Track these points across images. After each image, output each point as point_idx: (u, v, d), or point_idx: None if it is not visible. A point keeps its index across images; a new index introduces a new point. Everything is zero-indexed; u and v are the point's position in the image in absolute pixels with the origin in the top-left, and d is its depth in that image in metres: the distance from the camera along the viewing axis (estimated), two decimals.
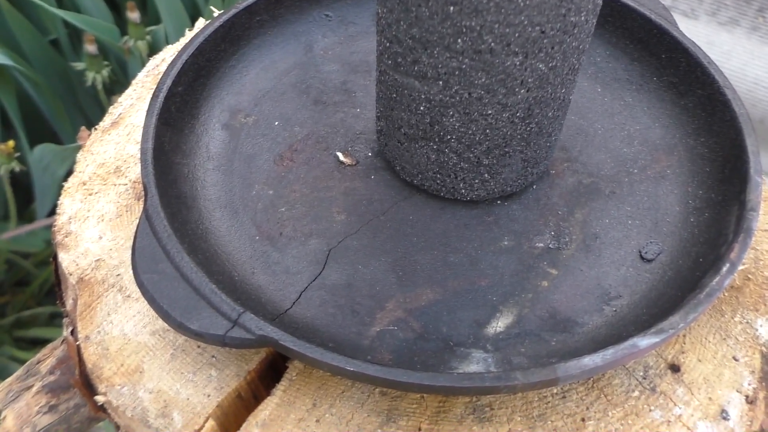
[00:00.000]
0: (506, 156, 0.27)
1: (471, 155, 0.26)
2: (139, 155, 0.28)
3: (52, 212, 0.64)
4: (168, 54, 0.35)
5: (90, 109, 0.65)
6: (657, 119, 0.32)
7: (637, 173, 0.30)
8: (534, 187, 0.29)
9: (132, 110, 0.33)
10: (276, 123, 0.31)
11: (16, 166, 0.50)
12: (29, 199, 0.67)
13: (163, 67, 0.34)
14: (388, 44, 0.25)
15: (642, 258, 0.27)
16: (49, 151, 0.56)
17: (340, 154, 0.30)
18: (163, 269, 0.23)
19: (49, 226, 0.57)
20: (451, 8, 0.22)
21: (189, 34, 0.36)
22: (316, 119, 0.32)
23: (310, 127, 0.31)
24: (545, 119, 0.26)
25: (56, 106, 0.61)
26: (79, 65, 0.54)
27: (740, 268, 0.27)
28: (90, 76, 0.53)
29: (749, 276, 0.27)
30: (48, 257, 0.64)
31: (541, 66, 0.23)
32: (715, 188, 0.28)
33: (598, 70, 0.34)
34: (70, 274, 0.27)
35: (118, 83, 0.64)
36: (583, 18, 0.23)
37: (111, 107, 0.33)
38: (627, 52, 0.33)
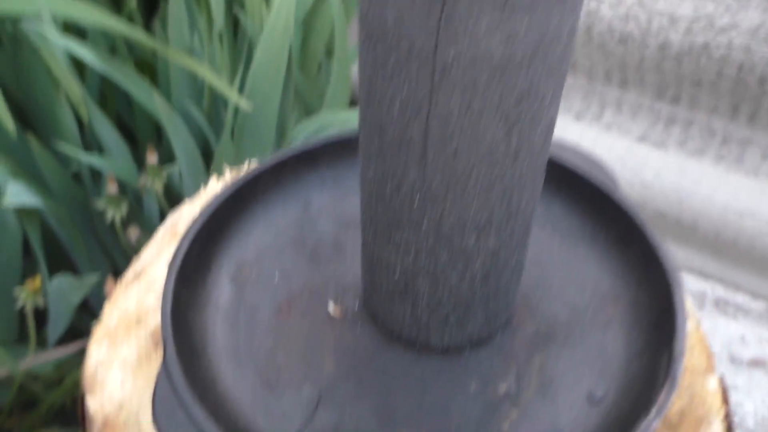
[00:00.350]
0: (470, 313, 0.32)
1: (440, 312, 0.32)
2: (158, 307, 0.34)
3: (64, 336, 0.69)
4: (184, 210, 0.42)
5: (105, 237, 0.72)
6: (605, 271, 0.37)
7: (588, 321, 0.35)
8: (498, 335, 0.34)
9: (152, 265, 0.38)
10: (276, 277, 0.37)
11: (41, 303, 0.56)
12: (42, 320, 0.72)
13: (180, 225, 0.40)
14: (368, 221, 0.31)
15: (591, 400, 0.31)
16: (66, 282, 0.62)
17: (331, 306, 0.35)
18: (179, 418, 0.28)
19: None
20: (416, 199, 0.28)
21: (203, 192, 0.43)
22: (311, 273, 0.37)
23: (305, 281, 0.37)
24: (501, 282, 0.31)
25: (75, 237, 0.67)
26: (101, 203, 0.61)
27: (675, 407, 0.32)
28: (110, 214, 0.60)
29: (684, 413, 0.32)
30: (57, 380, 0.68)
31: (492, 242, 0.29)
32: (652, 336, 0.33)
33: (557, 225, 0.39)
34: (96, 417, 0.31)
35: (135, 216, 0.70)
36: (524, 204, 0.29)
37: (134, 261, 0.39)
38: (579, 210, 0.39)
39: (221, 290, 0.36)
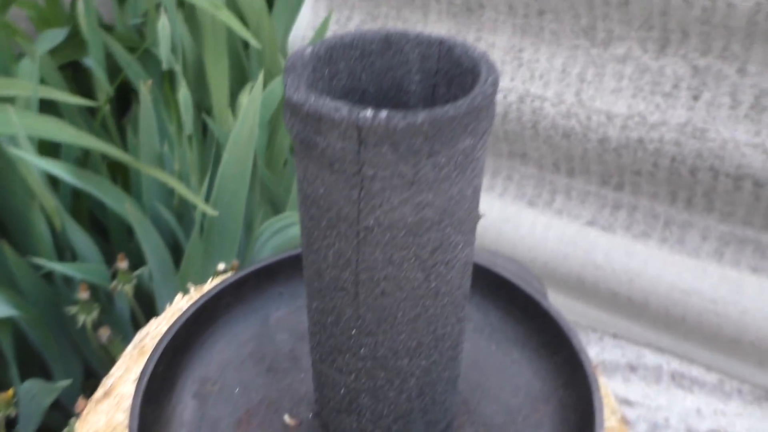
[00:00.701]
0: (410, 422, 0.36)
1: (383, 423, 0.36)
2: (126, 426, 0.37)
3: None
4: (152, 327, 0.46)
5: (77, 337, 0.75)
6: (536, 373, 0.41)
7: (521, 422, 0.39)
8: None
9: (121, 381, 0.42)
10: (236, 390, 0.41)
11: (13, 413, 0.59)
12: (13, 421, 0.74)
13: (147, 341, 0.44)
14: (314, 345, 0.35)
15: None
16: (38, 386, 0.65)
17: (286, 417, 0.39)
18: None
19: None
20: (353, 331, 0.32)
21: (169, 310, 0.47)
22: (269, 385, 0.41)
23: (263, 393, 0.41)
24: (436, 394, 0.36)
25: (48, 340, 0.70)
26: (72, 309, 0.64)
27: None
28: (81, 318, 0.63)
29: None
30: None
31: (423, 362, 0.34)
32: None
33: (493, 331, 0.44)
34: None
35: (106, 315, 0.74)
36: (449, 329, 0.34)
37: (104, 378, 0.42)
38: (513, 316, 0.44)
39: (185, 405, 0.40)
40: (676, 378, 0.84)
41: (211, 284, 0.47)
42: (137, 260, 0.77)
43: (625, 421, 0.41)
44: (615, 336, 0.86)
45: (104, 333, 0.68)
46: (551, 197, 0.84)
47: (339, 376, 0.35)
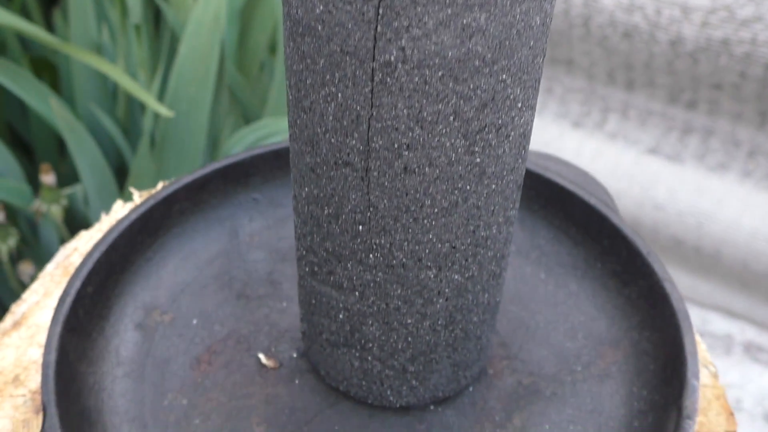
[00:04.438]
0: (433, 362, 0.32)
1: (395, 362, 0.31)
2: (40, 365, 0.33)
3: None
4: (81, 242, 0.41)
5: None
6: (602, 310, 0.37)
7: (580, 371, 0.35)
8: (470, 389, 0.34)
9: (37, 308, 0.37)
10: (194, 321, 0.36)
11: None
12: None
13: (75, 258, 0.40)
14: (304, 252, 0.31)
15: None
16: None
17: (262, 356, 0.35)
18: None
19: None
20: (360, 227, 0.28)
21: (105, 219, 0.42)
22: (239, 316, 0.37)
23: (231, 325, 0.36)
24: (470, 324, 0.31)
25: None
26: None
27: None
28: None
29: None
30: None
31: (456, 277, 0.29)
32: (659, 389, 0.33)
33: (542, 254, 0.40)
34: None
35: (28, 247, 0.69)
36: (495, 231, 0.29)
37: (14, 305, 0.38)
38: (570, 236, 0.39)
39: (123, 339, 0.35)
40: (751, 350, 0.80)
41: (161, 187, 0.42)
42: (71, 181, 0.73)
43: (717, 377, 0.37)
44: None
45: (26, 268, 0.63)
46: (603, 117, 0.80)
47: (337, 295, 0.30)
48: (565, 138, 0.80)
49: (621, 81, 0.78)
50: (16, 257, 0.66)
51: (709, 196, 0.76)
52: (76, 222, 0.69)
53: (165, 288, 0.37)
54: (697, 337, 0.37)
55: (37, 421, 0.33)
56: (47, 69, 0.81)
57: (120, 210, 0.42)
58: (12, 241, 0.60)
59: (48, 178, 0.60)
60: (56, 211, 0.60)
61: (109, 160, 0.71)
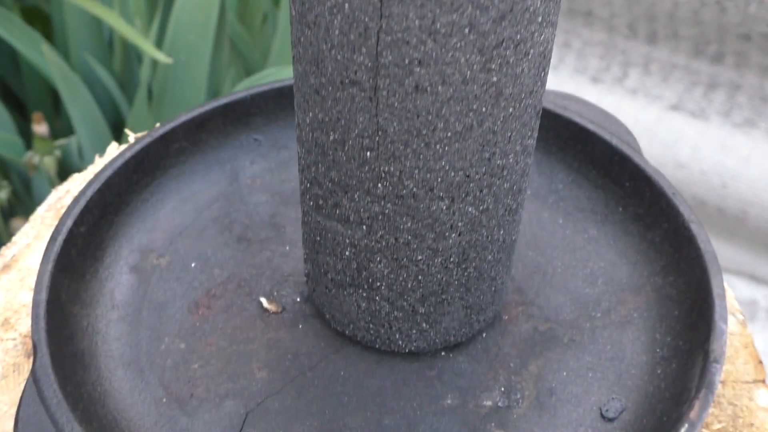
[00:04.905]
0: (444, 303, 0.31)
1: (404, 303, 0.30)
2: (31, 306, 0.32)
3: None
4: (74, 184, 0.40)
5: None
6: (623, 255, 0.36)
7: (600, 317, 0.34)
8: (483, 335, 0.33)
9: (28, 251, 0.37)
10: (193, 264, 0.36)
11: None
12: None
13: (68, 200, 0.39)
14: (308, 185, 0.30)
15: (603, 417, 0.31)
16: None
17: (264, 300, 0.34)
18: None
19: None
20: (368, 153, 0.27)
21: (99, 161, 0.41)
22: (239, 259, 0.36)
23: (231, 269, 0.36)
24: (484, 263, 0.30)
25: None
26: None
27: (712, 427, 0.31)
28: None
29: None
30: None
31: (470, 209, 0.28)
32: (683, 335, 0.32)
33: (560, 198, 0.39)
34: None
35: (21, 203, 0.69)
36: (511, 160, 0.28)
37: (3, 248, 0.37)
38: (590, 179, 0.38)
39: (118, 282, 0.34)
40: None
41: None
42: (65, 135, 0.72)
43: (745, 326, 0.36)
44: None
45: (18, 224, 0.63)
46: (623, 71, 0.78)
47: (343, 230, 0.29)
48: (582, 93, 0.79)
49: (643, 33, 0.76)
50: (8, 213, 0.66)
51: (734, 154, 0.75)
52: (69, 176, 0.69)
53: (162, 230, 0.37)
54: (726, 284, 0.36)
55: (28, 365, 0.32)
56: (40, 19, 0.80)
57: (114, 150, 0.41)
58: (3, 194, 0.59)
59: (40, 128, 0.59)
60: (49, 162, 0.59)
61: (105, 114, 0.70)
